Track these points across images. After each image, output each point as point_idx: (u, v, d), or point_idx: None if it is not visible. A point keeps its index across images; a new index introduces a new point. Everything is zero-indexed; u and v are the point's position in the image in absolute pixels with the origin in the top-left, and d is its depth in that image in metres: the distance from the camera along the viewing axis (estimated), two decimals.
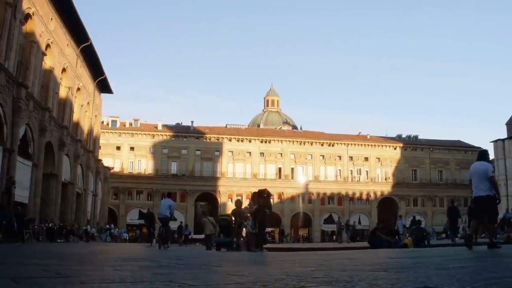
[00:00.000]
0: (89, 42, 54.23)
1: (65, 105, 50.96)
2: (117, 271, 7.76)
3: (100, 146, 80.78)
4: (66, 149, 49.51)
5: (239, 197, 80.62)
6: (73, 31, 50.67)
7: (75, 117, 56.18)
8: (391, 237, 25.96)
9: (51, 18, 44.45)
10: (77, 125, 56.81)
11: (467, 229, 27.35)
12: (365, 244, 28.45)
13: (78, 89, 56.16)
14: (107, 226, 57.50)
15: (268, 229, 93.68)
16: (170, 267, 9.05)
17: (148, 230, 39.61)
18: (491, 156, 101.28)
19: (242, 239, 23.90)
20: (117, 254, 16.87)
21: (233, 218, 24.27)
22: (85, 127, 61.42)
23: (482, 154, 15.64)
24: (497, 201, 14.49)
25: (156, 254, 16.70)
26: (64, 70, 49.78)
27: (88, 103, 61.92)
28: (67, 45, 50.33)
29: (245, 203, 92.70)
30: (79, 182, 57.25)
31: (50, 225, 39.83)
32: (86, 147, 60.89)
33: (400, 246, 24.02)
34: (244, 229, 23.63)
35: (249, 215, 21.87)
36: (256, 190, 22.92)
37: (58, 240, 39.67)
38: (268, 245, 27.37)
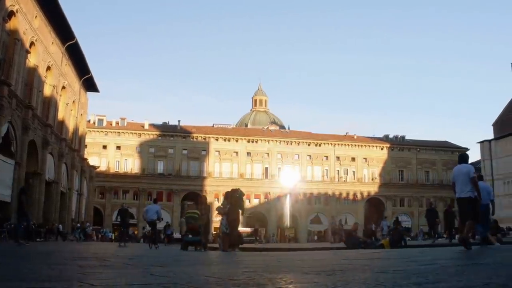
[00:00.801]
0: (75, 40, 53.98)
1: (50, 104, 50.64)
2: (51, 270, 7.92)
3: (86, 145, 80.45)
4: (50, 148, 49.20)
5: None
6: (58, 29, 50.37)
7: (60, 115, 55.87)
8: (368, 238, 25.93)
9: (36, 16, 44.20)
10: (62, 123, 56.47)
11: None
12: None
13: (63, 87, 55.82)
14: (78, 225, 56.71)
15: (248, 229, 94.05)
16: (107, 267, 9.14)
17: (121, 228, 36.43)
18: (478, 156, 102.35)
19: (218, 238, 23.85)
20: (75, 253, 16.71)
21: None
22: (70, 125, 61.03)
23: (464, 157, 15.88)
24: (479, 202, 14.86)
25: (113, 254, 16.52)
26: (48, 68, 49.44)
27: (73, 101, 61.55)
28: (52, 43, 50.03)
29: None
30: (64, 181, 56.95)
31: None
32: (71, 146, 60.55)
33: (377, 246, 23.95)
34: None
35: (222, 214, 21.79)
36: (229, 190, 22.74)
37: (38, 240, 39.22)
38: (245, 246, 27.18)
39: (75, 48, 55.80)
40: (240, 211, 21.57)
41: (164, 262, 10.87)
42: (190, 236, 23.48)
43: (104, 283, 5.97)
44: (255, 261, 10.52)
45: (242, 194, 21.59)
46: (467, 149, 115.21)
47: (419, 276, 5.87)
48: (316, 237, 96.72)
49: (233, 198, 21.06)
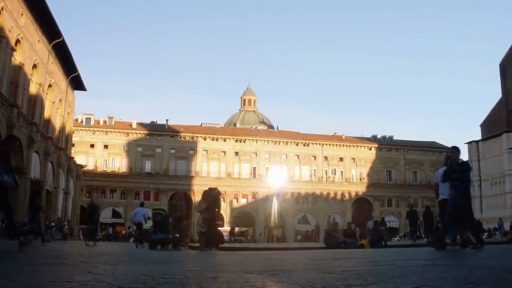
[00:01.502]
0: (61, 39, 53.67)
1: (36, 102, 50.37)
2: None
3: (73, 144, 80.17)
4: (35, 146, 48.87)
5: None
6: (44, 27, 50.05)
7: (46, 114, 55.55)
8: (348, 238, 25.86)
9: (22, 14, 43.91)
10: (48, 122, 56.13)
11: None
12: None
13: (50, 85, 55.50)
14: (52, 224, 56.30)
15: (243, 229, 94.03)
16: (43, 264, 8.95)
17: (88, 226, 33.45)
18: (466, 157, 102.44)
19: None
20: (39, 252, 16.41)
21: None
22: (57, 124, 60.72)
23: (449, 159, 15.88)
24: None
25: (68, 252, 16.23)
26: (35, 66, 49.14)
27: (60, 100, 61.20)
28: (38, 41, 49.72)
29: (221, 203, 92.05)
30: (49, 179, 56.71)
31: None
32: (58, 145, 60.23)
33: (357, 246, 23.94)
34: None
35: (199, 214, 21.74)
36: (206, 188, 22.64)
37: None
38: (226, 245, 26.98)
39: (62, 47, 55.47)
40: (217, 211, 21.55)
41: (116, 261, 10.72)
42: (158, 233, 22.84)
43: (34, 279, 5.88)
44: (212, 261, 10.48)
45: (218, 193, 21.55)
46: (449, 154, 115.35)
47: (360, 278, 5.83)
48: (299, 237, 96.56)
49: (210, 197, 21.00)
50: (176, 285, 5.27)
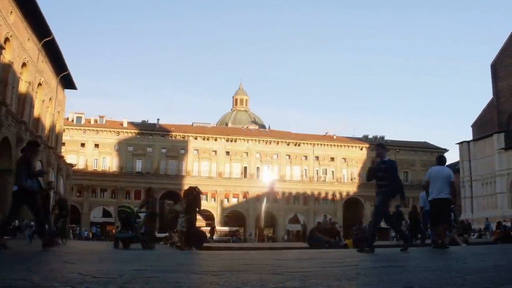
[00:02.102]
0: (51, 37, 53.52)
1: (25, 101, 50.18)
2: None
3: (64, 143, 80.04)
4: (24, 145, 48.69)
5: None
6: (34, 26, 49.96)
7: (36, 112, 55.36)
8: (331, 238, 25.78)
9: (11, 12, 43.81)
10: (37, 121, 55.94)
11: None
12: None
13: (40, 84, 55.34)
14: (32, 223, 55.88)
15: (234, 229, 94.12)
16: None
17: (60, 220, 30.06)
18: (457, 157, 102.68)
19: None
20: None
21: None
22: (46, 123, 60.57)
23: (443, 159, 16.48)
24: (452, 205, 16.16)
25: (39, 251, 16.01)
26: (24, 64, 49.01)
27: (50, 98, 61.04)
28: (28, 39, 49.59)
29: (211, 202, 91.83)
30: (39, 178, 56.47)
31: None
32: (47, 143, 60.02)
33: (341, 246, 23.88)
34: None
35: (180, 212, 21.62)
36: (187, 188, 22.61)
37: (5, 237, 38.61)
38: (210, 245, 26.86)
39: (52, 45, 55.31)
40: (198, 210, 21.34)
41: (62, 260, 10.58)
42: (123, 232, 21.64)
43: None
44: (173, 260, 10.33)
45: (199, 192, 21.46)
46: (446, 150, 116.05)
47: (303, 279, 5.74)
48: (286, 237, 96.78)
49: (190, 197, 20.92)
50: (98, 285, 5.20)
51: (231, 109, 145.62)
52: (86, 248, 20.61)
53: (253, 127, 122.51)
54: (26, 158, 14.16)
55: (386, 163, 13.62)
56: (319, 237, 25.04)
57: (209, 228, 68.18)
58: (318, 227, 27.85)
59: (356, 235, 26.71)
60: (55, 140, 65.61)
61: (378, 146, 14.25)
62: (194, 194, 20.98)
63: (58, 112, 66.91)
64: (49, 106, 61.01)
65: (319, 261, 9.48)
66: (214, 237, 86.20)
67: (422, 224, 26.97)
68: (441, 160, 16.29)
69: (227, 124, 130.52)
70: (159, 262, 9.31)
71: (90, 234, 79.11)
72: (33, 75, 51.93)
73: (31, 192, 13.87)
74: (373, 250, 12.90)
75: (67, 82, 67.22)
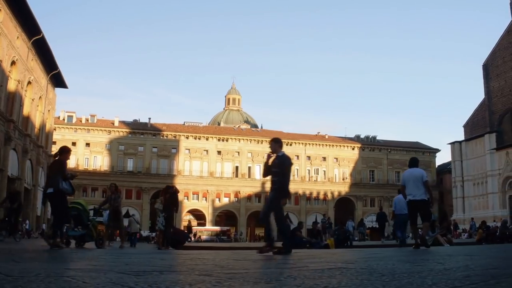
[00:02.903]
0: (41, 35, 53.30)
1: (14, 99, 49.90)
2: None
3: (55, 142, 79.70)
4: (13, 144, 48.48)
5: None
6: (24, 24, 49.74)
7: (25, 111, 55.04)
8: (313, 238, 25.69)
9: (0, 10, 43.56)
10: (27, 119, 55.63)
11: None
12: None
13: (29, 82, 55.04)
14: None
15: (224, 228, 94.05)
16: None
17: (9, 217, 28.25)
18: (449, 158, 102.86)
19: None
20: None
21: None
22: (36, 121, 60.25)
23: (415, 161, 16.46)
24: (430, 204, 15.73)
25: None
26: (13, 63, 48.73)
27: (40, 97, 60.74)
28: (18, 37, 49.31)
29: (203, 202, 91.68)
30: (28, 177, 56.29)
31: None
32: (36, 142, 59.80)
33: (322, 246, 23.79)
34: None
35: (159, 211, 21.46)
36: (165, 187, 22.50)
37: None
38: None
39: (42, 44, 55.12)
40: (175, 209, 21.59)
41: (20, 258, 10.40)
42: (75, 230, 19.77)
43: None
44: (114, 260, 10.10)
45: (176, 191, 21.33)
46: (438, 150, 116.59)
47: (216, 281, 5.57)
48: (276, 237, 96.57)
49: (167, 195, 20.82)
50: None
51: (224, 109, 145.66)
52: (32, 247, 20.01)
53: (244, 126, 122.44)
54: (60, 162, 15.28)
55: (279, 158, 12.97)
56: (300, 237, 24.93)
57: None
58: (299, 227, 27.67)
59: (337, 235, 26.65)
60: (45, 138, 65.39)
61: (272, 140, 13.85)
62: (170, 193, 20.86)
63: (48, 110, 66.63)
64: (39, 105, 60.69)
65: (271, 262, 9.30)
66: (203, 236, 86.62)
67: (394, 228, 27.50)
68: (412, 162, 16.33)
69: (219, 124, 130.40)
70: (94, 262, 9.05)
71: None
72: (22, 74, 51.64)
73: (64, 194, 14.95)
74: (289, 251, 12.55)
75: (57, 81, 66.95)
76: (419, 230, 16.49)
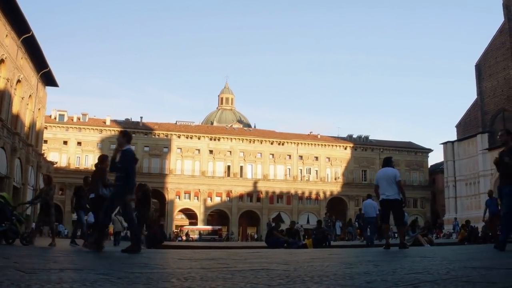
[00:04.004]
0: (31, 33, 53.02)
1: (3, 97, 49.58)
2: None
3: (46, 140, 79.55)
4: (1, 142, 48.23)
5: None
6: (13, 22, 49.41)
7: (15, 109, 54.67)
8: (290, 237, 25.53)
9: None
10: (16, 118, 55.31)
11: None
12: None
13: (19, 81, 54.68)
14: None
15: (216, 227, 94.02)
16: None
17: None
18: (441, 158, 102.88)
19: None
20: None
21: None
22: (26, 120, 59.94)
23: (388, 161, 16.60)
24: (403, 204, 15.69)
25: None
26: (2, 61, 48.37)
27: (30, 96, 60.41)
28: (7, 35, 48.97)
29: (194, 201, 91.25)
30: (17, 176, 56.01)
31: None
32: (26, 141, 59.46)
33: (300, 246, 23.71)
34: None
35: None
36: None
37: None
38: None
39: (31, 42, 54.83)
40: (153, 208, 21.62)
41: None
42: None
43: None
44: (30, 258, 9.92)
45: (148, 190, 21.15)
46: (430, 150, 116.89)
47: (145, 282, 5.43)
48: (256, 236, 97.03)
49: (139, 194, 20.54)
50: None
51: (217, 108, 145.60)
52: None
53: (237, 125, 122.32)
54: (101, 170, 16.55)
55: (122, 153, 12.76)
56: (277, 237, 24.78)
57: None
58: (277, 227, 27.51)
59: (315, 235, 26.53)
60: (35, 137, 65.00)
61: (120, 133, 13.40)
62: (143, 191, 20.64)
63: (39, 109, 66.28)
64: (28, 103, 60.37)
65: (225, 261, 9.20)
66: (195, 236, 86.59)
67: (362, 228, 28.06)
68: (386, 162, 16.44)
69: (212, 123, 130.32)
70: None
71: (68, 233, 78.45)
72: (11, 72, 51.30)
73: (104, 199, 15.23)
74: (139, 249, 12.44)
75: (48, 79, 66.60)
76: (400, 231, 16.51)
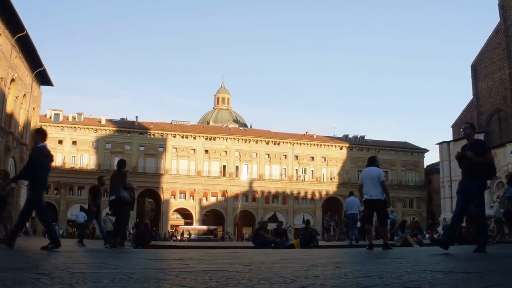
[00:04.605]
0: (25, 33, 52.90)
1: None
2: None
3: None
4: None
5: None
6: (7, 21, 49.30)
7: (9, 109, 54.50)
8: (277, 237, 25.43)
9: None
10: (10, 117, 55.17)
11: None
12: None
13: (13, 80, 54.53)
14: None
15: (211, 227, 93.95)
16: None
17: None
18: (437, 157, 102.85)
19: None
20: None
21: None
22: (20, 119, 59.82)
23: (373, 160, 16.29)
24: (387, 204, 15.51)
25: None
26: None
27: (24, 95, 60.24)
28: (0, 34, 48.89)
29: (190, 201, 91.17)
30: (11, 175, 55.76)
31: None
32: (20, 140, 59.31)
33: (287, 246, 23.65)
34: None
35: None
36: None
37: None
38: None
39: (26, 41, 54.70)
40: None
41: None
42: None
43: None
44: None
45: (133, 188, 21.04)
46: (426, 150, 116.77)
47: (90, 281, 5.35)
48: (247, 236, 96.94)
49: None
50: None
51: (213, 108, 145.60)
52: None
53: (232, 125, 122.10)
54: (122, 174, 17.92)
55: (33, 150, 12.87)
56: (264, 237, 24.66)
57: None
58: (265, 226, 27.42)
59: (303, 235, 26.50)
60: (29, 136, 64.78)
61: (35, 131, 13.49)
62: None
63: (33, 108, 66.12)
64: (23, 103, 60.20)
65: (193, 261, 9.14)
66: (190, 235, 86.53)
67: (345, 227, 28.43)
68: (370, 161, 16.19)
69: (208, 123, 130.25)
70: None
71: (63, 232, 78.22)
72: (5, 71, 51.16)
73: (125, 202, 17.57)
74: (58, 245, 12.47)
75: (43, 79, 66.47)
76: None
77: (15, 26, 50.97)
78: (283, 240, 25.44)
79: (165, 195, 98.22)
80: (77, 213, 30.08)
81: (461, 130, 11.57)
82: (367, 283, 5.20)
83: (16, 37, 52.58)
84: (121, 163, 18.58)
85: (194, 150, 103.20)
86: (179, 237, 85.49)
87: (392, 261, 8.93)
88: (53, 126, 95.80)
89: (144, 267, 7.76)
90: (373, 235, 17.17)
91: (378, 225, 16.27)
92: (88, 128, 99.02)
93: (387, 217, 17.05)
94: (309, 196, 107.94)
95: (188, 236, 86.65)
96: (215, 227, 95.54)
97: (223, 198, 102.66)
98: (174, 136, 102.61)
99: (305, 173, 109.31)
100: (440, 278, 5.64)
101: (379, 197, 15.04)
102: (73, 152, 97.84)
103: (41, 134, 12.94)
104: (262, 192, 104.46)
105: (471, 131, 11.72)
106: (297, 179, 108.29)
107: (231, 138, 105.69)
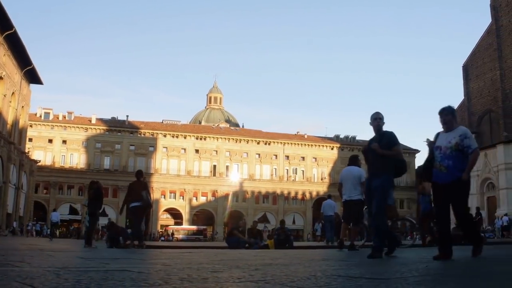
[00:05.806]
0: (13, 30, 52.62)
1: None
2: None
3: (31, 139, 79.03)
4: None
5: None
6: None
7: None
8: (252, 237, 25.27)
9: None
10: None
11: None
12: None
13: (1, 78, 54.28)
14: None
15: (202, 227, 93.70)
16: None
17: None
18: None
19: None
20: None
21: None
22: (9, 118, 59.52)
23: (354, 159, 16.00)
24: (365, 205, 14.92)
25: None
26: None
27: (13, 93, 59.97)
28: None
29: (180, 201, 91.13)
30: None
31: None
32: (8, 139, 58.91)
33: (261, 247, 23.54)
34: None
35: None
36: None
37: None
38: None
39: (14, 39, 54.42)
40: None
41: None
42: None
43: None
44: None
45: (100, 186, 20.95)
46: (417, 151, 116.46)
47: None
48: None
49: (91, 191, 20.65)
50: None
51: (205, 107, 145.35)
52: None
53: (223, 125, 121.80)
54: (144, 183, 19.86)
55: None
56: (237, 237, 24.50)
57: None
58: (241, 225, 27.41)
59: (277, 235, 26.30)
60: (18, 135, 64.54)
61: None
62: (94, 189, 20.53)
63: (22, 107, 65.83)
64: (11, 101, 59.90)
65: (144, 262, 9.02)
66: (180, 236, 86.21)
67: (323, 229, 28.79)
68: (352, 160, 15.91)
69: (200, 122, 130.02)
70: None
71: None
72: None
73: (150, 206, 19.97)
74: None
75: (32, 77, 66.20)
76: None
77: (4, 24, 50.78)
78: (257, 240, 25.23)
79: (155, 195, 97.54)
80: (52, 213, 29.70)
81: (439, 113, 10.08)
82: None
83: (4, 34, 52.30)
84: (140, 173, 20.05)
85: (185, 149, 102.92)
86: (166, 237, 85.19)
87: (325, 263, 8.53)
88: (43, 125, 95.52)
89: (86, 267, 7.62)
90: (346, 234, 16.92)
91: (352, 225, 15.94)
92: (78, 127, 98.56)
93: (362, 218, 16.84)
94: (299, 196, 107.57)
95: (177, 237, 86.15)
96: (205, 227, 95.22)
97: (213, 198, 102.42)
98: (165, 136, 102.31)
99: (296, 173, 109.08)
100: (337, 284, 5.19)
101: (358, 197, 14.82)
102: (63, 151, 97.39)
103: None
104: (253, 192, 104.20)
105: (452, 118, 9.94)
106: (287, 179, 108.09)
107: (221, 138, 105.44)
